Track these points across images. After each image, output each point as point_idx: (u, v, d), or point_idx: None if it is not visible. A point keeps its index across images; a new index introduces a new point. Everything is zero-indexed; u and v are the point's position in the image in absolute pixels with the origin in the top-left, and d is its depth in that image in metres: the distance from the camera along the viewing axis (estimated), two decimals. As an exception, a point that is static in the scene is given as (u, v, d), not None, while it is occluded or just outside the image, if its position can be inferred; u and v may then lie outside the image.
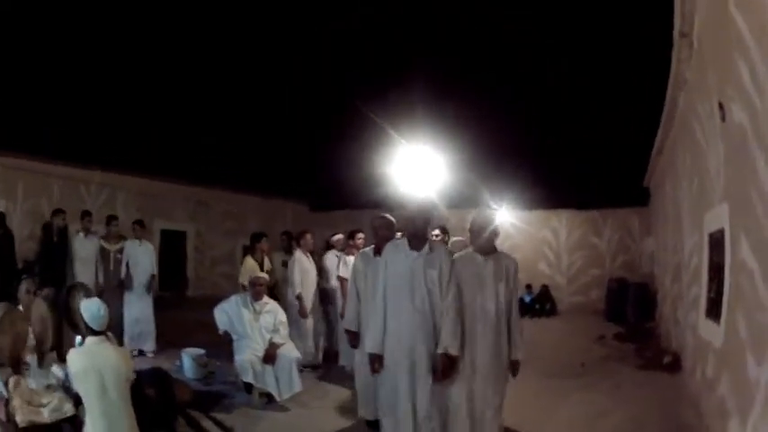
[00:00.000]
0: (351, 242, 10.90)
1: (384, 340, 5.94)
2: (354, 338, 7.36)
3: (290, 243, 12.14)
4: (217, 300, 9.76)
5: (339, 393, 9.21)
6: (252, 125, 20.69)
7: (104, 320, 5.77)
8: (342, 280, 10.39)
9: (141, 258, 12.05)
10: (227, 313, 8.79)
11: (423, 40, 18.47)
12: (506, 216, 19.34)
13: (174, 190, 19.29)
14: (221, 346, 9.66)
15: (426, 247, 6.02)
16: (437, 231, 9.56)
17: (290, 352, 8.63)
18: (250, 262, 11.06)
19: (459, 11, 18.12)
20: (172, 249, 18.27)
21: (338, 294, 10.68)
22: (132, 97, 17.07)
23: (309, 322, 11.02)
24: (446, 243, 9.32)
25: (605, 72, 17.38)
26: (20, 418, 6.25)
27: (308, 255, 11.31)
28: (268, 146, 21.30)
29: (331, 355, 11.28)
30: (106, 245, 12.02)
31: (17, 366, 6.78)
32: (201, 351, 10.06)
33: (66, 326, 7.71)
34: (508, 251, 6.76)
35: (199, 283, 20.01)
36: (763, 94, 4.38)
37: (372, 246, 7.63)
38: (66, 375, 6.13)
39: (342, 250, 11.20)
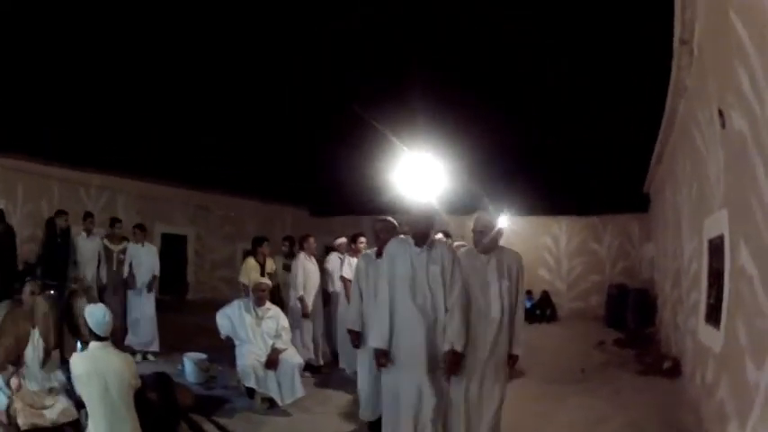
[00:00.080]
0: (353, 246, 10.95)
1: (390, 336, 5.96)
2: (356, 338, 7.39)
3: (291, 248, 12.18)
4: (217, 304, 9.79)
5: (341, 398, 9.23)
6: (253, 130, 20.71)
7: (109, 327, 5.80)
8: (345, 281, 10.45)
9: (144, 259, 12.10)
10: (230, 318, 8.82)
11: (424, 45, 18.48)
12: (506, 222, 19.36)
13: (174, 194, 19.33)
14: (222, 350, 9.69)
15: (429, 244, 6.08)
16: (440, 235, 9.58)
17: (292, 357, 8.64)
18: (251, 262, 11.11)
19: (461, 19, 18.16)
20: (172, 253, 18.27)
21: (341, 295, 10.71)
22: (132, 100, 17.07)
23: (310, 323, 11.05)
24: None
25: (606, 79, 17.39)
26: (21, 421, 6.28)
27: (312, 258, 11.37)
28: (269, 150, 21.32)
29: (331, 358, 11.32)
30: (110, 245, 12.07)
31: (19, 365, 6.80)
32: (203, 355, 10.08)
33: (66, 329, 7.74)
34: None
35: (199, 286, 20.05)
36: (762, 102, 4.40)
37: (375, 249, 7.65)
38: (68, 379, 6.16)
39: (344, 253, 11.24)
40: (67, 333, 7.75)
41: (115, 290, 11.83)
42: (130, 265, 11.97)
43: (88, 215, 12.39)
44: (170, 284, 14.74)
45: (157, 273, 12.27)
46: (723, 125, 5.84)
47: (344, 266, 10.75)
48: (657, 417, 8.40)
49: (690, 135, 8.74)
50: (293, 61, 19.59)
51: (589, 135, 18.68)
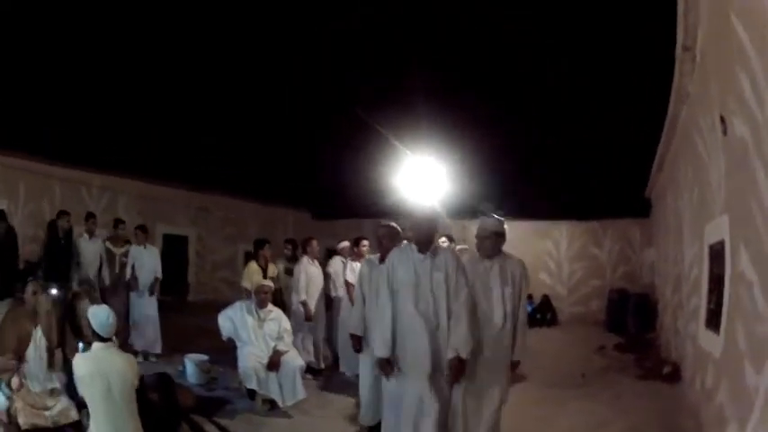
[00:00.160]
0: (355, 249, 10.98)
1: (393, 343, 5.95)
2: (358, 343, 7.38)
3: (293, 251, 12.18)
4: (217, 305, 9.81)
5: (341, 401, 9.23)
6: (255, 132, 20.73)
7: (112, 328, 5.79)
8: (349, 285, 10.47)
9: (146, 261, 12.12)
10: (232, 320, 8.84)
11: (424, 46, 18.51)
12: (507, 226, 19.33)
13: (176, 195, 19.35)
14: (223, 351, 9.72)
15: (433, 250, 6.08)
16: (443, 239, 9.59)
17: (293, 359, 8.67)
18: (253, 266, 11.13)
19: (463, 21, 18.19)
20: (173, 254, 18.28)
21: (344, 300, 10.73)
22: (134, 101, 17.11)
23: (312, 327, 11.07)
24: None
25: (607, 84, 17.42)
26: (22, 421, 6.29)
27: (314, 261, 11.39)
28: (271, 153, 21.34)
29: (332, 361, 11.34)
30: (112, 248, 12.08)
31: (20, 364, 6.81)
32: (204, 357, 10.09)
33: (68, 329, 7.76)
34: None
35: (200, 287, 20.04)
36: (764, 108, 4.41)
37: (378, 255, 7.66)
38: (70, 379, 6.17)
39: (347, 257, 11.26)
40: (70, 333, 7.76)
41: (117, 292, 11.82)
42: (132, 267, 12.01)
43: (90, 216, 12.38)
44: (171, 285, 14.76)
45: (159, 275, 12.30)
46: (725, 131, 5.85)
47: (347, 271, 10.77)
48: (657, 421, 8.42)
49: (691, 141, 8.75)
50: (296, 63, 19.63)
51: (591, 140, 18.70)
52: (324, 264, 11.76)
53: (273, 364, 8.49)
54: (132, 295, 11.92)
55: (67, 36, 15.15)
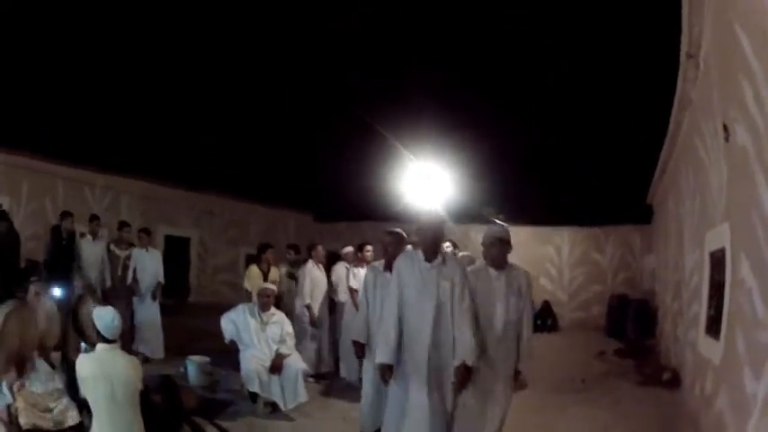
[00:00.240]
0: (359, 255, 11.00)
1: (396, 351, 5.94)
2: (361, 350, 7.37)
3: (296, 255, 12.18)
4: (219, 307, 9.83)
5: (343, 405, 9.24)
6: (259, 134, 20.75)
7: (117, 330, 5.76)
8: (353, 291, 10.50)
9: (149, 264, 12.15)
10: (234, 322, 8.85)
11: (424, 47, 18.54)
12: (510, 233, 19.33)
13: (178, 196, 19.38)
14: (224, 353, 9.74)
15: (439, 259, 6.05)
16: (447, 244, 9.59)
17: (296, 362, 8.69)
18: (255, 270, 11.14)
19: (464, 23, 18.23)
20: (175, 255, 18.29)
21: (347, 306, 10.74)
22: (138, 102, 17.15)
23: (316, 331, 11.10)
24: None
25: (610, 90, 17.44)
26: (23, 421, 6.27)
27: (320, 266, 11.42)
28: (274, 155, 21.36)
29: (334, 366, 11.36)
30: (116, 250, 12.09)
31: (23, 368, 6.81)
32: (206, 359, 10.09)
33: (71, 330, 7.77)
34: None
35: (201, 290, 20.06)
36: (766, 116, 4.45)
37: (382, 261, 7.66)
38: (72, 380, 6.16)
39: (352, 262, 11.28)
40: (72, 334, 7.77)
41: (120, 295, 11.80)
42: (134, 271, 12.03)
43: (94, 218, 12.36)
44: (172, 287, 14.79)
45: (162, 279, 12.34)
46: (727, 139, 5.87)
47: (351, 277, 10.81)
48: (657, 427, 8.45)
49: (693, 147, 8.78)
50: (300, 65, 19.64)
51: (593, 145, 18.71)
52: (328, 267, 11.78)
53: (276, 367, 8.50)
54: (134, 300, 11.95)
55: (73, 35, 15.18)
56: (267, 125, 20.83)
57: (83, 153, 15.51)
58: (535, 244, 21.31)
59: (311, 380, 10.09)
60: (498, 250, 6.16)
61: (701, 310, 7.60)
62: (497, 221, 16.10)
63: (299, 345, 9.57)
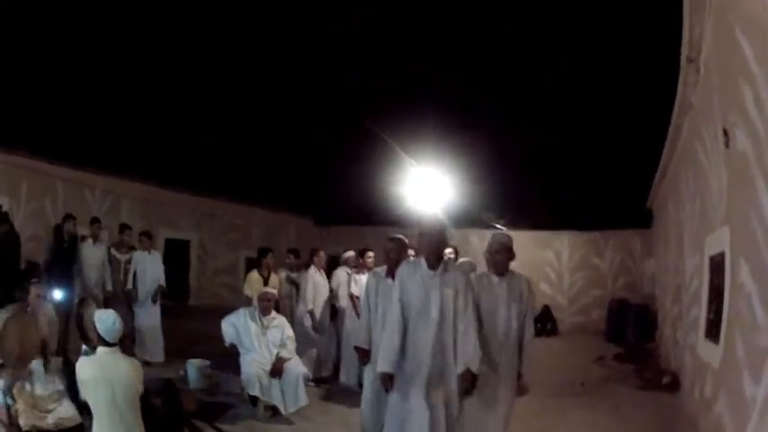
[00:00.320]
0: (360, 260, 10.99)
1: (398, 359, 5.91)
2: (364, 356, 7.34)
3: (296, 260, 12.16)
4: (218, 310, 9.84)
5: (343, 410, 9.24)
6: (260, 137, 20.77)
7: (118, 333, 5.76)
8: (353, 297, 10.51)
9: (149, 268, 12.15)
10: (235, 326, 8.85)
11: (426, 51, 18.59)
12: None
13: (179, 199, 19.36)
14: (224, 356, 9.73)
15: (442, 266, 6.03)
16: (450, 250, 9.58)
17: (296, 366, 8.69)
18: (254, 275, 11.15)
19: (466, 27, 18.27)
20: (175, 258, 18.27)
21: (348, 311, 10.75)
22: (139, 104, 17.17)
23: (317, 336, 11.11)
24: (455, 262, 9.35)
25: (610, 94, 17.46)
26: (23, 422, 6.30)
27: (321, 271, 11.43)
28: (275, 158, 21.38)
29: (333, 370, 11.36)
30: (117, 254, 12.10)
31: (23, 371, 6.81)
32: (206, 362, 10.10)
33: (71, 332, 7.78)
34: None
35: (200, 292, 20.03)
36: (766, 121, 4.47)
37: (384, 267, 7.65)
38: (72, 382, 6.17)
39: (353, 267, 11.27)
40: (74, 336, 7.78)
41: (121, 299, 11.82)
42: (134, 277, 12.04)
43: (95, 221, 12.33)
44: (172, 290, 14.77)
45: (163, 282, 12.33)
46: (727, 144, 5.89)
47: (352, 283, 10.81)
48: (657, 431, 8.48)
49: (693, 152, 8.79)
50: (301, 70, 19.69)
51: (593, 150, 18.75)
52: (328, 272, 11.76)
53: (276, 370, 8.51)
54: (134, 304, 11.96)
55: (74, 36, 15.21)
56: (268, 128, 20.86)
57: (83, 155, 15.49)
58: (535, 248, 21.30)
59: (312, 384, 10.08)
60: (503, 257, 6.18)
61: (701, 314, 7.62)
62: (497, 226, 16.11)
63: (299, 349, 9.56)
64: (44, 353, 7.12)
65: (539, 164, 20.43)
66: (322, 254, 11.60)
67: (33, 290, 7.38)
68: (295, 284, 11.62)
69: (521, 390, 6.25)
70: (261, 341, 8.77)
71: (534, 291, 6.48)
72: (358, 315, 10.03)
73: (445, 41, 18.94)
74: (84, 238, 12.04)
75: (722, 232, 6.26)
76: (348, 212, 22.83)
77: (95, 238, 12.05)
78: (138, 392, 5.74)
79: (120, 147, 16.75)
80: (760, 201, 4.62)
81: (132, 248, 12.33)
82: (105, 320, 5.73)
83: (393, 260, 7.24)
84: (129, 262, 12.10)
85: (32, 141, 14.15)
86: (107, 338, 5.70)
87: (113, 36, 16.15)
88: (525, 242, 20.17)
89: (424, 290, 5.95)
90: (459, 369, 5.80)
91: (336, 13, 17.88)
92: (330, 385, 10.81)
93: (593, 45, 16.72)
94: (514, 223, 19.18)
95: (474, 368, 5.75)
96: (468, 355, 5.78)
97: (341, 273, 11.50)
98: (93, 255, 11.88)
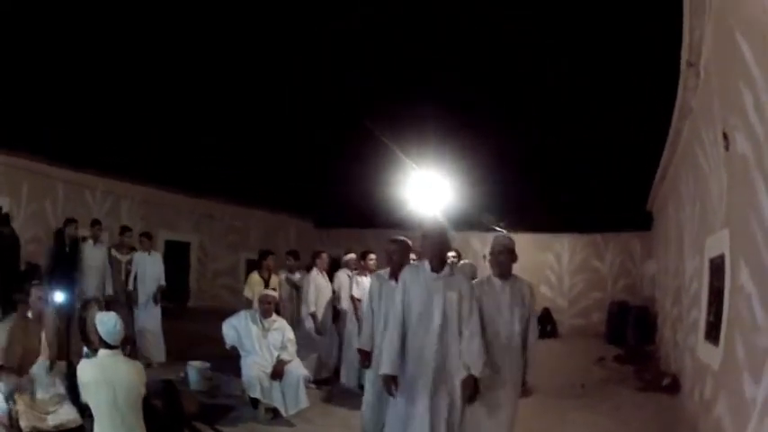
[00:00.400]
0: (362, 263, 10.99)
1: (401, 362, 5.91)
2: (367, 358, 7.31)
3: (295, 262, 12.14)
4: (218, 312, 9.84)
5: (344, 412, 9.22)
6: (260, 139, 20.79)
7: (119, 335, 5.73)
8: (354, 300, 10.52)
9: (150, 269, 12.15)
10: (236, 329, 8.84)
11: (429, 56, 18.61)
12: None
13: (179, 201, 19.42)
14: (224, 358, 9.72)
15: (446, 270, 6.03)
16: (452, 253, 9.57)
17: (297, 369, 8.68)
18: (255, 277, 11.13)
19: (467, 36, 18.31)
20: (175, 260, 18.26)
21: (349, 313, 10.76)
22: (139, 106, 17.20)
23: (318, 338, 11.12)
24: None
25: (611, 97, 17.49)
26: (23, 423, 6.29)
27: (323, 273, 11.43)
28: (275, 160, 21.39)
29: (333, 372, 11.37)
30: (118, 255, 12.11)
31: (25, 376, 6.80)
32: (207, 364, 10.09)
33: (73, 335, 7.78)
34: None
35: (200, 294, 20.06)
36: (766, 124, 4.48)
37: (388, 269, 7.64)
38: (73, 385, 6.16)
39: (354, 269, 11.27)
40: (76, 340, 7.77)
41: (122, 300, 11.81)
42: (135, 279, 12.04)
43: (96, 223, 12.36)
44: (172, 291, 14.78)
45: (163, 283, 12.33)
46: (727, 147, 5.90)
47: (354, 286, 10.81)
48: (657, 432, 8.50)
49: (693, 155, 8.81)
50: (302, 72, 19.70)
51: (593, 153, 18.78)
52: (330, 274, 11.76)
53: (277, 373, 8.50)
54: (136, 306, 11.97)
55: (75, 38, 15.24)
56: (268, 130, 20.88)
57: (83, 156, 15.51)
58: (535, 251, 21.30)
59: (312, 386, 10.08)
60: (506, 258, 6.19)
61: (701, 315, 7.63)
62: (498, 229, 16.12)
63: (301, 351, 9.56)
64: (48, 356, 7.12)
65: (539, 166, 20.45)
66: (324, 256, 11.58)
67: (34, 292, 7.35)
68: (295, 286, 11.62)
69: (525, 393, 6.25)
70: (262, 343, 8.76)
71: (535, 294, 6.49)
72: (357, 318, 10.08)
73: (445, 41, 18.97)
74: (84, 239, 12.05)
75: (722, 234, 6.28)
76: (348, 214, 22.82)
77: (96, 240, 12.06)
78: (140, 395, 5.70)
79: (120, 148, 16.78)
80: (760, 203, 4.63)
81: (133, 249, 12.34)
82: (107, 323, 5.71)
83: (396, 262, 7.22)
84: (129, 263, 12.09)
85: (33, 143, 14.18)
86: (108, 341, 5.68)
87: (114, 37, 16.18)
88: (525, 244, 20.15)
89: (427, 293, 5.93)
90: (463, 374, 5.79)
91: (336, 13, 17.90)
92: (331, 387, 10.80)
93: (594, 47, 16.75)
94: (514, 225, 19.18)
95: (477, 373, 5.73)
96: (471, 359, 5.76)
97: (342, 275, 11.47)
98: (93, 256, 11.88)
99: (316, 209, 24.49)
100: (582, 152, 19.17)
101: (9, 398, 6.47)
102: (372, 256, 10.90)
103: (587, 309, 21.47)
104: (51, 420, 6.48)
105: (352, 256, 11.70)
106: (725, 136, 5.94)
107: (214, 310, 14.93)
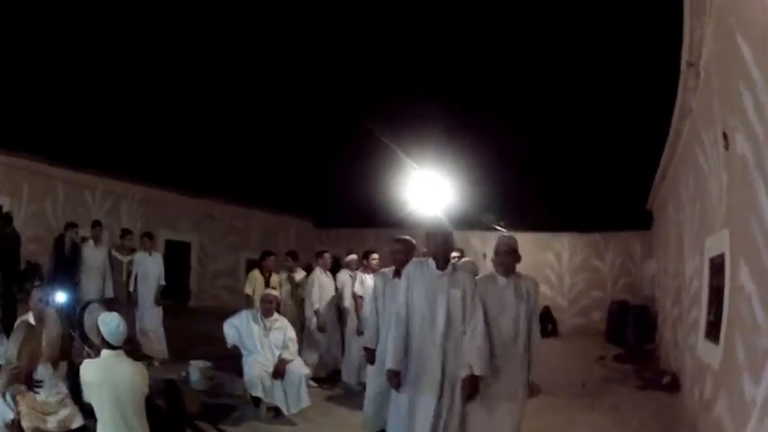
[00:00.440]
0: (365, 262, 11.00)
1: (404, 358, 5.93)
2: (371, 355, 7.36)
3: (294, 262, 12.14)
4: (218, 312, 9.84)
5: (345, 410, 9.24)
6: (260, 139, 20.79)
7: (122, 336, 5.73)
8: (357, 298, 10.55)
9: (151, 269, 12.17)
10: (237, 328, 8.83)
11: (429, 56, 18.62)
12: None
13: (179, 201, 19.42)
14: (225, 357, 9.73)
15: (450, 267, 6.04)
16: (456, 252, 9.59)
17: (298, 368, 8.68)
18: (256, 274, 11.20)
19: (468, 36, 18.32)
20: (175, 260, 18.26)
21: (352, 312, 10.78)
22: (140, 106, 17.21)
23: (322, 337, 11.14)
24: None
25: (611, 98, 17.50)
26: (26, 424, 6.29)
27: (326, 272, 11.45)
28: (275, 161, 21.40)
29: (332, 370, 11.38)
30: (119, 256, 12.13)
31: (29, 383, 6.80)
32: (209, 363, 10.10)
33: (76, 337, 7.78)
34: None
35: (200, 294, 20.06)
36: (765, 125, 4.49)
37: (392, 268, 7.63)
38: (76, 385, 6.17)
39: (355, 270, 11.26)
40: (78, 340, 7.77)
41: (123, 301, 11.81)
42: (135, 280, 12.06)
43: (96, 224, 12.39)
44: (172, 291, 14.78)
45: (163, 282, 12.35)
46: (726, 147, 5.92)
47: (356, 283, 10.82)
48: (656, 431, 8.49)
49: (693, 155, 8.82)
50: (302, 73, 19.71)
51: (594, 152, 18.78)
52: (332, 273, 11.77)
53: (279, 372, 8.51)
54: (137, 307, 11.99)
55: (75, 38, 15.25)
56: (269, 130, 20.88)
57: (84, 156, 15.53)
58: (535, 250, 21.28)
59: (314, 385, 10.10)
60: (510, 258, 6.19)
61: (701, 315, 7.64)
62: (498, 228, 16.14)
63: (304, 349, 9.58)
64: (50, 357, 7.12)
65: (539, 165, 20.47)
66: (327, 255, 11.61)
67: (35, 294, 7.35)
68: (296, 284, 11.63)
69: (533, 391, 6.24)
70: (263, 343, 8.76)
71: (539, 291, 6.50)
72: (358, 316, 10.12)
73: (445, 41, 18.98)
74: (85, 240, 12.07)
75: (722, 234, 6.29)
76: (349, 214, 22.81)
77: (96, 241, 12.08)
78: (143, 395, 5.70)
79: (120, 148, 16.79)
80: (759, 203, 4.65)
81: (133, 250, 12.35)
82: (109, 323, 5.71)
83: (400, 261, 7.23)
84: (130, 263, 12.12)
85: (33, 143, 14.20)
86: (111, 341, 5.68)
87: (114, 38, 16.19)
88: (526, 244, 19.99)
89: (432, 290, 5.95)
90: (464, 372, 5.80)
91: (336, 13, 17.91)
92: (332, 385, 10.83)
93: (594, 47, 16.75)
94: (515, 225, 19.21)
95: (478, 371, 5.74)
96: (472, 357, 5.78)
97: (343, 275, 11.50)
98: (94, 256, 11.91)
99: (316, 209, 24.47)
100: (582, 152, 19.18)
101: (12, 400, 6.48)
102: (375, 255, 10.93)
103: (587, 308, 21.51)
104: (54, 421, 6.48)
105: (353, 257, 11.71)
106: (725, 136, 5.96)
107: (215, 310, 14.94)
